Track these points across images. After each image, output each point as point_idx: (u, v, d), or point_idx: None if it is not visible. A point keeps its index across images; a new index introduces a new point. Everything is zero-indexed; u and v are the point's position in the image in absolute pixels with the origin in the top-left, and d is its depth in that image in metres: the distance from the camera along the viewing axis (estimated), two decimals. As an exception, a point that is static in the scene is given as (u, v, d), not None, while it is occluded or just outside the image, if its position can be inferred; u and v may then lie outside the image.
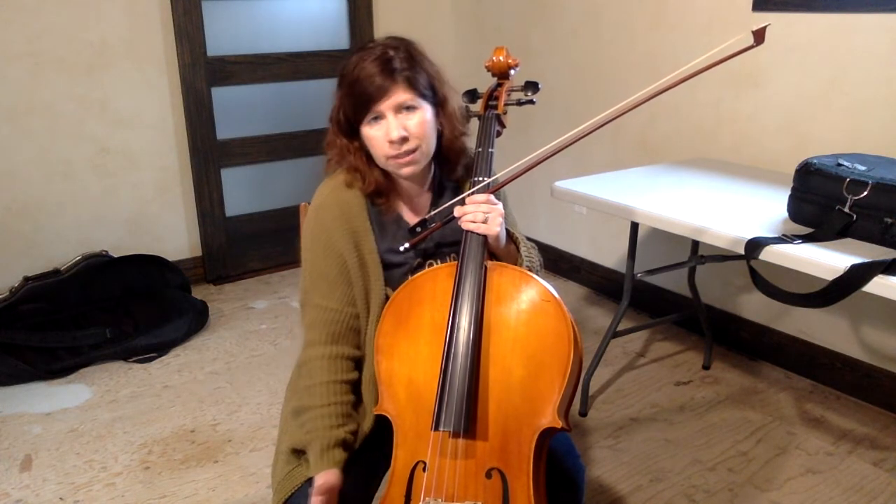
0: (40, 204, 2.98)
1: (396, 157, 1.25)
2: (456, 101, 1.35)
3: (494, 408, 1.14)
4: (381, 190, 1.32)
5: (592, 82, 3.10)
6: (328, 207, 1.32)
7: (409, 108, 1.25)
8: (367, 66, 1.23)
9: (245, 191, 3.47)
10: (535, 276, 1.21)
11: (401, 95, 1.23)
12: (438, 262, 1.35)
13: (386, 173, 1.32)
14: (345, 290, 1.31)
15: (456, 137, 1.34)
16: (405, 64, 1.25)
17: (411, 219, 1.36)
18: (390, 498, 1.16)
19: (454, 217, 1.26)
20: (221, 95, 3.27)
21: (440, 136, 1.32)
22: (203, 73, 3.17)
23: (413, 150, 1.25)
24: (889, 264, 1.53)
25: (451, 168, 1.37)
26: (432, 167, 1.36)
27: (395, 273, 1.33)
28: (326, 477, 1.19)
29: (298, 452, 1.29)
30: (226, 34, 3.23)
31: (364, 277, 1.31)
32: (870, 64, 2.19)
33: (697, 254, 2.42)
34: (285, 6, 3.37)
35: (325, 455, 1.22)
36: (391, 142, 1.23)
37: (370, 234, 1.31)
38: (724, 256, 2.34)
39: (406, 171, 1.27)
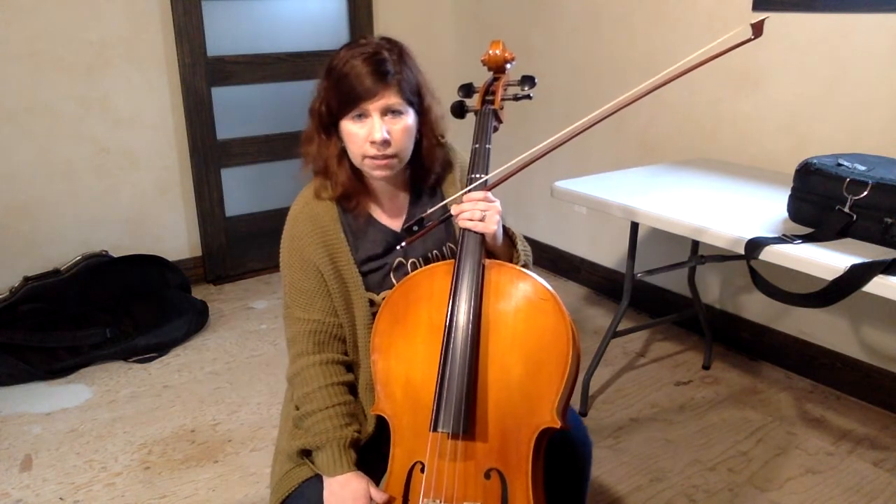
0: (40, 204, 2.98)
1: (374, 158, 1.24)
2: (437, 110, 1.34)
3: (493, 407, 1.14)
4: (349, 193, 1.31)
5: (592, 81, 3.10)
6: (301, 223, 1.32)
7: (396, 112, 1.24)
8: (358, 64, 1.22)
9: (245, 191, 3.47)
10: (533, 274, 1.21)
11: (391, 98, 1.22)
12: (421, 261, 1.35)
13: (357, 173, 1.32)
14: (325, 301, 1.31)
15: (433, 146, 1.34)
16: (397, 67, 1.24)
17: (384, 219, 1.36)
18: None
19: (451, 215, 1.25)
20: (221, 95, 3.27)
21: (418, 143, 1.31)
22: (203, 73, 3.17)
23: (392, 156, 1.25)
24: (889, 264, 1.53)
25: (426, 174, 1.36)
26: (407, 170, 1.35)
27: (374, 277, 1.33)
28: (363, 486, 1.21)
29: (305, 454, 1.29)
30: (226, 34, 3.23)
31: (342, 288, 1.31)
32: (870, 64, 2.19)
33: (697, 254, 2.42)
34: (285, 6, 3.37)
35: (342, 456, 1.23)
36: (372, 142, 1.22)
37: (345, 245, 1.31)
38: (724, 256, 2.34)
39: (379, 173, 1.27)
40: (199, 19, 3.11)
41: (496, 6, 3.51)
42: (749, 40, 1.19)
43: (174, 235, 3.32)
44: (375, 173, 1.27)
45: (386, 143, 1.22)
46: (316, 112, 1.29)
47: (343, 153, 1.29)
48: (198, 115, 3.21)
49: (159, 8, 3.02)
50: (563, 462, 1.26)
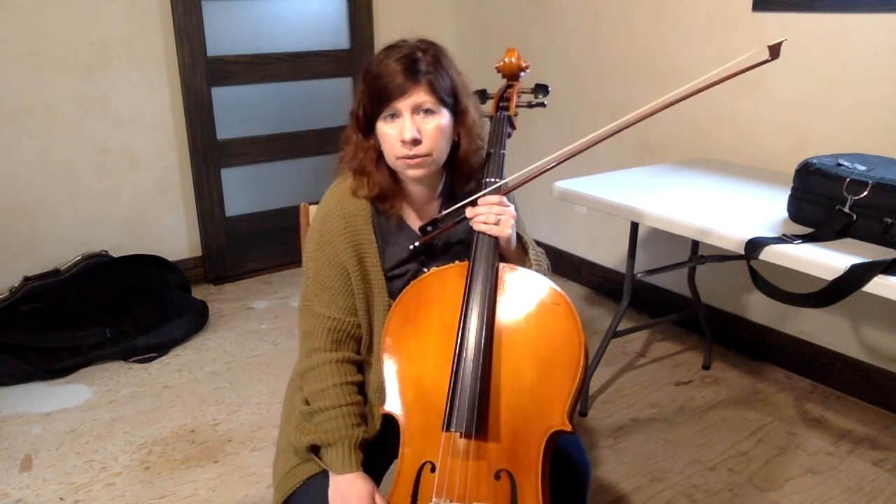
0: (40, 204, 2.97)
1: (406, 158, 1.23)
2: (477, 114, 1.33)
3: (504, 409, 1.14)
4: (385, 194, 1.31)
5: (592, 81, 3.10)
6: (334, 219, 1.31)
7: (427, 111, 1.23)
8: (391, 63, 1.22)
9: (245, 191, 3.47)
10: (545, 278, 1.21)
11: (420, 97, 1.22)
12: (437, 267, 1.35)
13: (394, 175, 1.31)
14: (347, 300, 1.31)
15: (473, 151, 1.32)
16: (430, 67, 1.23)
17: (416, 224, 1.35)
18: (396, 498, 1.17)
19: (466, 217, 1.25)
20: (221, 95, 3.27)
21: (456, 146, 1.30)
22: (203, 73, 3.17)
23: (424, 155, 1.24)
24: (889, 264, 1.53)
25: (464, 180, 1.35)
26: (444, 175, 1.35)
27: (397, 284, 1.32)
28: (368, 487, 1.21)
29: (313, 449, 1.29)
30: (226, 34, 3.23)
31: (366, 290, 1.31)
32: (870, 64, 2.19)
33: (697, 254, 2.42)
34: (285, 6, 3.37)
35: (351, 455, 1.23)
36: (403, 142, 1.22)
37: (374, 247, 1.31)
38: (724, 256, 2.34)
39: (412, 173, 1.26)
40: (199, 19, 3.11)
41: (496, 6, 3.51)
42: (766, 61, 1.20)
43: (174, 235, 3.32)
44: (409, 173, 1.26)
45: (416, 141, 1.22)
46: (354, 114, 1.29)
47: (381, 154, 1.29)
48: (198, 115, 3.21)
49: (159, 8, 3.02)
50: (561, 485, 1.26)
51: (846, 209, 1.69)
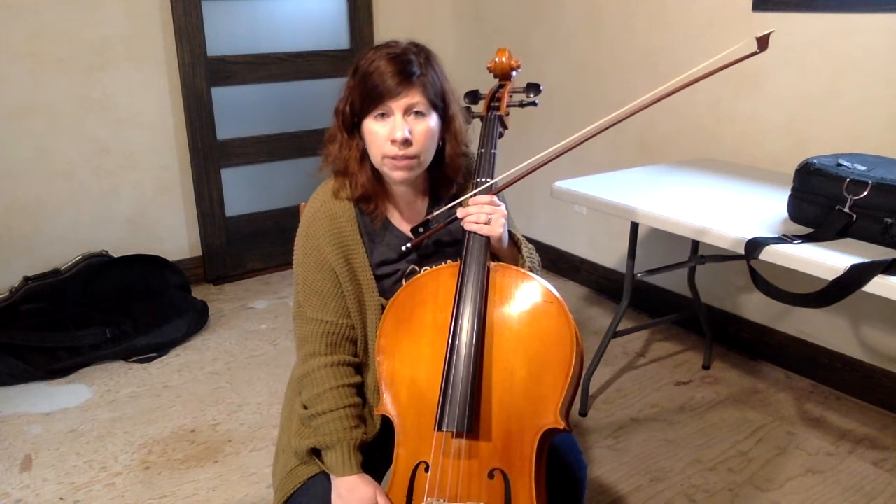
0: (40, 204, 2.97)
1: (394, 158, 1.23)
2: (462, 120, 1.34)
3: (497, 408, 1.14)
4: (368, 195, 1.31)
5: (592, 82, 3.10)
6: (318, 222, 1.31)
7: (418, 113, 1.23)
8: (384, 63, 1.22)
9: (245, 191, 3.47)
10: (537, 277, 1.21)
11: (414, 98, 1.22)
12: (432, 267, 1.35)
13: (377, 176, 1.31)
14: (339, 302, 1.31)
15: (457, 156, 1.33)
16: (423, 69, 1.24)
17: (402, 225, 1.35)
18: (392, 498, 1.17)
19: (457, 218, 1.25)
20: (221, 95, 3.27)
21: (441, 150, 1.31)
22: (203, 73, 3.17)
23: (412, 157, 1.24)
24: (889, 264, 1.53)
25: (447, 183, 1.36)
26: (427, 177, 1.35)
27: (387, 283, 1.33)
28: (370, 492, 1.21)
29: (313, 453, 1.29)
30: (226, 34, 3.23)
31: (356, 290, 1.31)
32: (870, 64, 2.19)
33: (697, 254, 2.42)
34: (285, 6, 3.37)
35: (351, 457, 1.23)
36: (393, 141, 1.22)
37: (360, 247, 1.31)
38: (724, 256, 2.34)
39: (398, 175, 1.26)
40: (199, 19, 3.11)
41: (496, 7, 3.51)
42: (754, 54, 1.20)
43: (174, 235, 3.32)
44: (395, 174, 1.26)
45: (407, 142, 1.22)
46: (340, 111, 1.29)
47: (365, 154, 1.29)
48: (198, 115, 3.21)
49: (159, 8, 3.02)
50: (557, 485, 1.26)
51: (846, 209, 1.69)
